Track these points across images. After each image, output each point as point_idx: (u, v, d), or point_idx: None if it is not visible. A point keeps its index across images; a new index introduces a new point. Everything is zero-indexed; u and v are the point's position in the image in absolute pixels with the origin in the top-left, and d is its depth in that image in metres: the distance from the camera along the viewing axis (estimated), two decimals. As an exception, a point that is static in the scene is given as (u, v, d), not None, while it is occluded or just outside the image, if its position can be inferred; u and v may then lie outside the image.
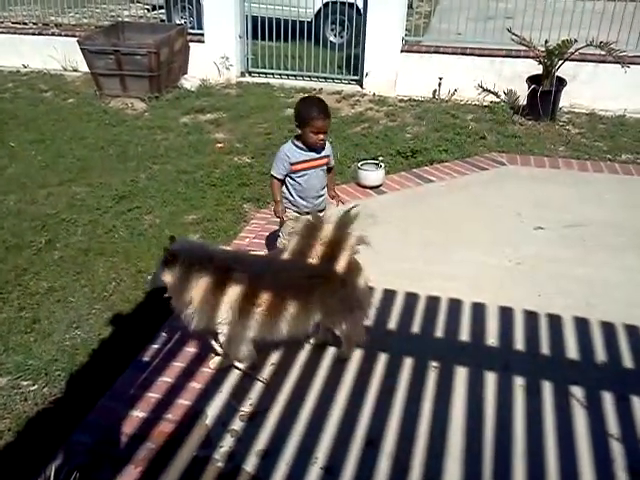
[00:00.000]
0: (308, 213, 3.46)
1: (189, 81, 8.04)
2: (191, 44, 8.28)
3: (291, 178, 3.49)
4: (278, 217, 3.60)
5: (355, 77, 8.04)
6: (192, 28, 8.60)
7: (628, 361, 3.18)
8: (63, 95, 7.75)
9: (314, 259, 2.83)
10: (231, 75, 8.24)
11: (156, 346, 3.25)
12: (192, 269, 2.74)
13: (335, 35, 9.43)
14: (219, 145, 6.18)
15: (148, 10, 9.95)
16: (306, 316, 2.86)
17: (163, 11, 9.90)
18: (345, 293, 2.87)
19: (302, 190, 3.52)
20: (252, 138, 6.35)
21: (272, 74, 8.37)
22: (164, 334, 3.34)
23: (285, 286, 2.80)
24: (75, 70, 8.48)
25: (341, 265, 2.83)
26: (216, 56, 8.13)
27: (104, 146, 6.17)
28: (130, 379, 3.02)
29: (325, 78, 8.18)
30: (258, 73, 8.42)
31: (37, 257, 4.24)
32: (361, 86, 7.90)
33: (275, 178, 3.50)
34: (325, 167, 3.57)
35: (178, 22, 9.19)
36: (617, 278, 3.89)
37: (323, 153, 3.50)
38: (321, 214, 3.44)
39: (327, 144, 3.54)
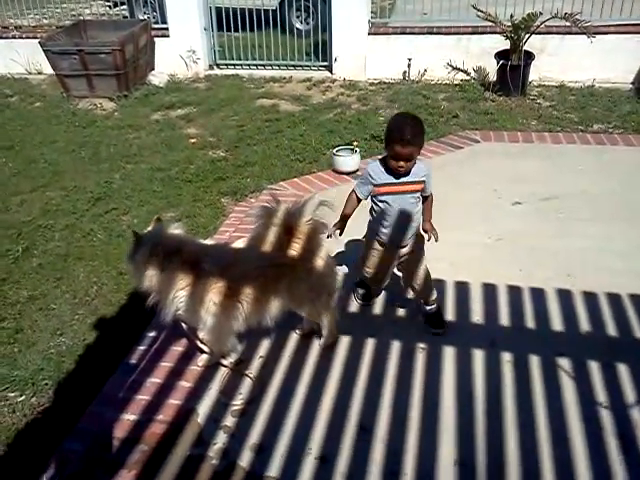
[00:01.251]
0: (396, 245, 3.12)
1: (157, 77, 7.93)
2: (156, 39, 8.16)
3: (373, 201, 3.08)
4: (328, 233, 3.04)
5: (324, 63, 8.00)
6: (156, 23, 8.45)
7: (612, 329, 3.23)
8: (29, 99, 7.60)
9: (281, 247, 2.81)
10: (199, 68, 8.16)
11: (143, 347, 3.22)
12: (159, 259, 2.72)
13: (301, 22, 9.36)
14: (192, 140, 6.12)
15: (110, 7, 9.79)
16: (275, 304, 2.86)
17: (125, 7, 9.74)
18: (312, 280, 2.88)
19: (382, 216, 3.05)
20: (225, 131, 6.30)
21: (240, 65, 8.30)
22: (150, 334, 3.31)
23: (253, 276, 2.79)
24: (40, 73, 8.32)
25: (307, 252, 2.83)
26: (182, 50, 8.03)
27: (75, 149, 6.07)
28: (119, 382, 3.00)
29: (294, 66, 8.13)
30: (226, 65, 8.35)
31: (15, 266, 4.17)
32: (331, 72, 7.87)
33: (357, 196, 3.08)
34: (417, 194, 3.02)
35: (141, 17, 9.06)
36: (595, 247, 3.94)
37: (414, 178, 2.97)
38: (405, 249, 3.15)
39: (422, 167, 3.00)
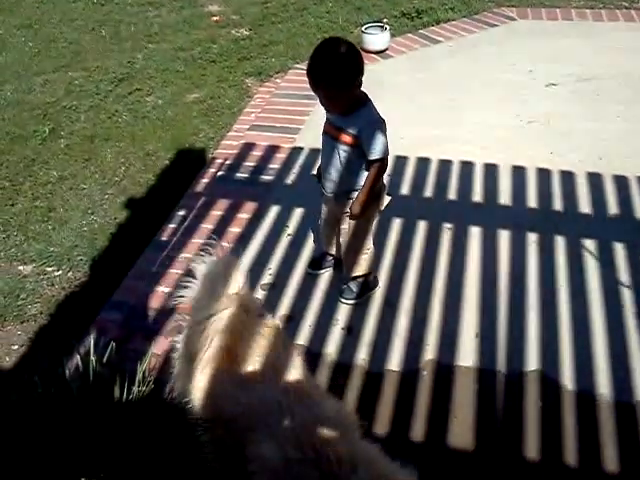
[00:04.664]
0: (329, 195, 2.58)
1: (176, -50, 7.53)
2: None
3: None
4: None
5: None
6: None
7: (640, 212, 3.20)
8: (45, -25, 7.32)
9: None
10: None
11: (173, 225, 3.30)
12: None
13: None
14: (214, 18, 5.91)
15: None
16: None
17: None
18: None
19: (321, 156, 2.56)
20: (248, 8, 6.05)
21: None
22: (179, 213, 3.37)
23: None
24: (54, -54, 7.95)
25: None
26: None
27: (95, 27, 5.91)
28: (151, 258, 3.09)
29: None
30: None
31: (43, 147, 4.20)
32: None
33: None
34: (349, 148, 2.36)
35: None
36: (630, 130, 3.82)
37: (345, 125, 2.33)
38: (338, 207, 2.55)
39: (360, 120, 2.31)
